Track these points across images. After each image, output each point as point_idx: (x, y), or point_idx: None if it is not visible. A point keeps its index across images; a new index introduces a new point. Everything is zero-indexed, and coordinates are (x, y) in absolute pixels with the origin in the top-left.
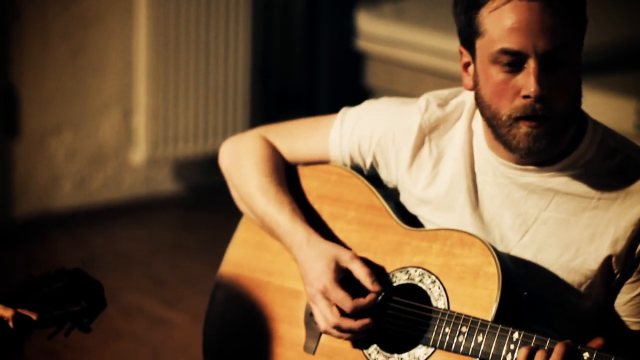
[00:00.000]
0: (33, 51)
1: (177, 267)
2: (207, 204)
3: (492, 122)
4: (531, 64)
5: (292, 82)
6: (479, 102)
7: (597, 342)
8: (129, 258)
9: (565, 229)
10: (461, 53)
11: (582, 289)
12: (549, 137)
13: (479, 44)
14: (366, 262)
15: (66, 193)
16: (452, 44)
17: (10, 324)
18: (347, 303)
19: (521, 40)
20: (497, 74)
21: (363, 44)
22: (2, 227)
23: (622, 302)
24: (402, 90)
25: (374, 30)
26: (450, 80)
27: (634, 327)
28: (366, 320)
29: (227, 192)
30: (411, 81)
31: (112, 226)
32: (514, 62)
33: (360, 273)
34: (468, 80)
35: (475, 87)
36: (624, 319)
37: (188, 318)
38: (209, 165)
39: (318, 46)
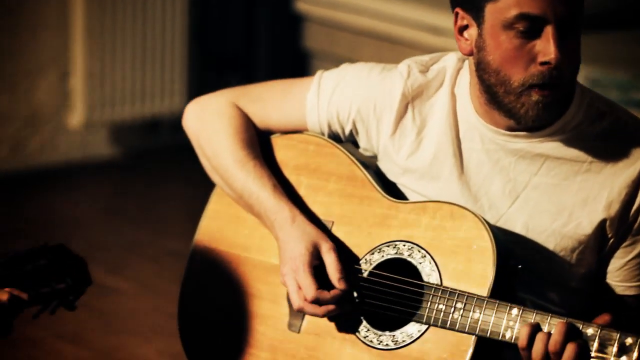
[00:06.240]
0: None
1: (116, 233)
2: (144, 169)
3: (497, 89)
4: (550, 30)
5: (230, 43)
6: (483, 68)
7: (604, 319)
8: (67, 224)
9: (557, 194)
10: (457, 15)
11: (575, 254)
12: (556, 106)
13: (491, 8)
14: (349, 236)
15: (1, 157)
16: (393, 6)
17: (6, 303)
18: (310, 292)
19: (542, 4)
20: (510, 40)
21: (302, 5)
22: None
23: (616, 267)
24: (341, 53)
25: None
26: (391, 43)
27: (629, 292)
28: (330, 307)
29: (163, 156)
30: (351, 44)
31: (49, 191)
32: (531, 28)
33: (331, 267)
34: (465, 44)
35: (478, 53)
36: (619, 284)
37: (135, 285)
38: (146, 129)
39: (257, 7)
